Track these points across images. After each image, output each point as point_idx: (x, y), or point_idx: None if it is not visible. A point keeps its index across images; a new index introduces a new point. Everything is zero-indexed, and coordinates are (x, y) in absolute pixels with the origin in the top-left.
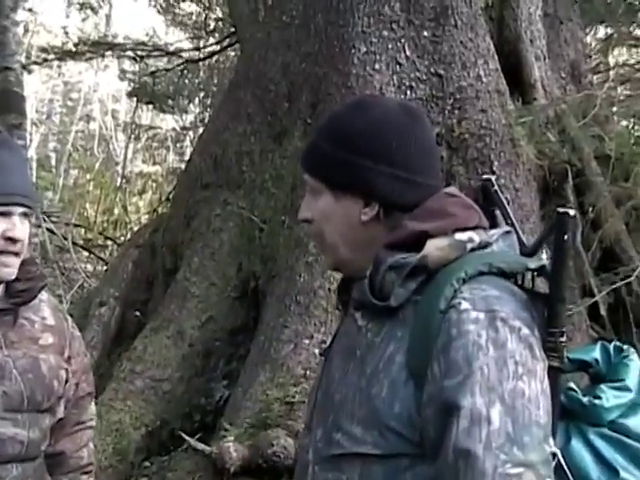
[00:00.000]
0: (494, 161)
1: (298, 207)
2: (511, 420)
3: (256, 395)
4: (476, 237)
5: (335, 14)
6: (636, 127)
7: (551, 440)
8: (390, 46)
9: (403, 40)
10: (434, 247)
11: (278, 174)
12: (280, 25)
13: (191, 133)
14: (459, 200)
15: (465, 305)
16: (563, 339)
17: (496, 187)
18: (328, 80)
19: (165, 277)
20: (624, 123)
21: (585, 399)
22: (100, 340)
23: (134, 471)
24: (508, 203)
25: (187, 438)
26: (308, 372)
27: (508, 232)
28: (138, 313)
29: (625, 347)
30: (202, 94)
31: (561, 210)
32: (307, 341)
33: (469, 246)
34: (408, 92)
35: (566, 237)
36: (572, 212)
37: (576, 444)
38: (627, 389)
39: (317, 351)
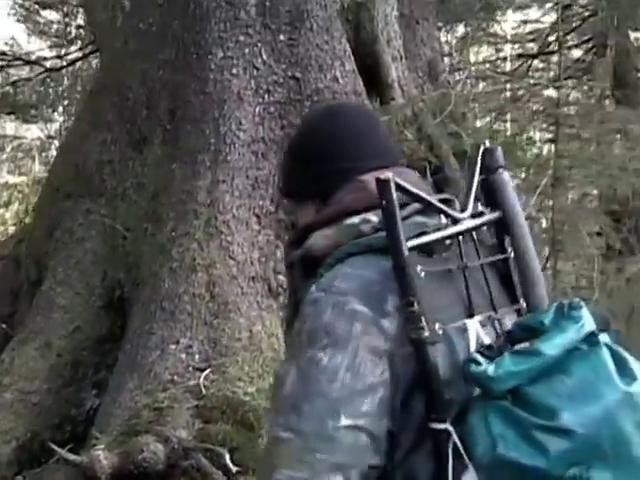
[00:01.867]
0: None
1: (160, 214)
2: (299, 387)
3: (125, 402)
4: (373, 217)
5: (191, 20)
6: (495, 123)
7: (343, 418)
8: (247, 51)
9: (260, 44)
10: (319, 236)
11: (139, 182)
12: (137, 32)
13: (56, 142)
14: (357, 185)
15: (312, 288)
16: (413, 308)
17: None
18: (186, 86)
19: (30, 289)
20: (487, 119)
21: (473, 369)
22: None
23: None
24: None
25: (57, 449)
26: (175, 377)
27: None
28: (4, 326)
29: (577, 305)
30: (66, 102)
31: (380, 177)
32: (173, 347)
33: (365, 227)
34: (266, 96)
35: (385, 203)
36: (386, 177)
37: (471, 419)
38: (535, 353)
39: (183, 356)
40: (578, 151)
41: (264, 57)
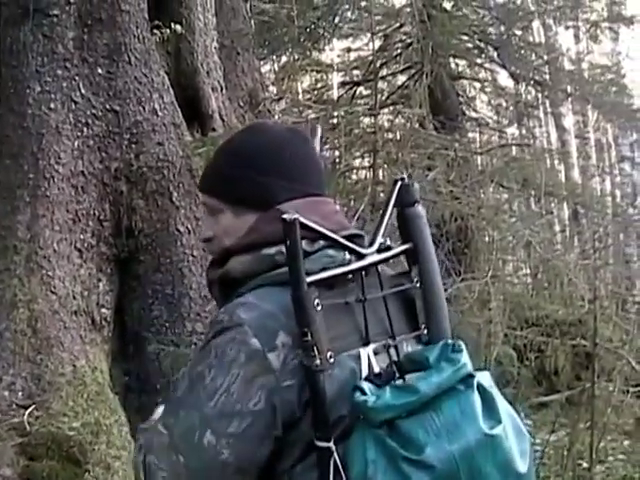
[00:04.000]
0: (173, 192)
1: None
2: (184, 395)
3: None
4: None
5: (8, 55)
6: None
7: (208, 433)
8: (65, 84)
9: (78, 78)
10: (236, 262)
11: None
12: None
13: None
14: (276, 215)
15: (221, 310)
16: (307, 338)
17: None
18: (4, 121)
19: None
20: None
21: (356, 398)
22: None
23: None
24: (189, 232)
25: None
26: None
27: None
28: None
29: (458, 348)
30: None
31: (284, 217)
32: None
33: (280, 258)
34: (85, 129)
35: (288, 242)
36: (291, 218)
37: (352, 441)
38: (413, 391)
39: (7, 393)
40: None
41: (82, 90)
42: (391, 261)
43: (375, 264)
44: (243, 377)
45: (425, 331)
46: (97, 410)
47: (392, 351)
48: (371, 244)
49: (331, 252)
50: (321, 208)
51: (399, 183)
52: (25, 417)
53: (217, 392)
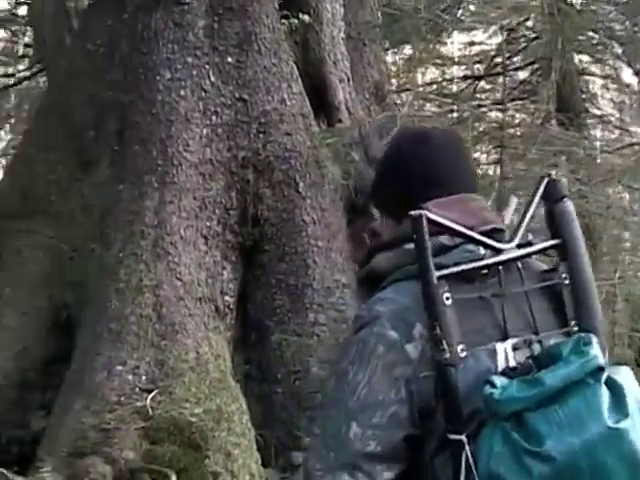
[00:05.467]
0: (300, 182)
1: (107, 235)
2: (333, 392)
3: (71, 424)
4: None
5: (139, 42)
6: None
7: (354, 426)
8: (195, 72)
9: (207, 66)
10: (382, 257)
11: (86, 203)
12: (86, 53)
13: (2, 160)
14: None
15: (362, 305)
16: (435, 332)
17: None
18: (134, 107)
19: None
20: None
21: (485, 390)
22: None
23: None
24: (314, 223)
25: (4, 471)
26: (122, 398)
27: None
28: None
29: (588, 340)
30: (13, 121)
31: (412, 213)
32: (120, 367)
33: None
34: (214, 117)
35: (416, 237)
36: (417, 213)
37: (482, 435)
38: (538, 384)
39: (130, 377)
40: (523, 172)
41: (212, 79)
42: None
43: (514, 259)
44: (382, 368)
45: (575, 328)
46: (219, 397)
47: (535, 346)
48: (511, 240)
49: (470, 247)
50: (464, 205)
51: (546, 179)
52: (148, 401)
53: (359, 385)
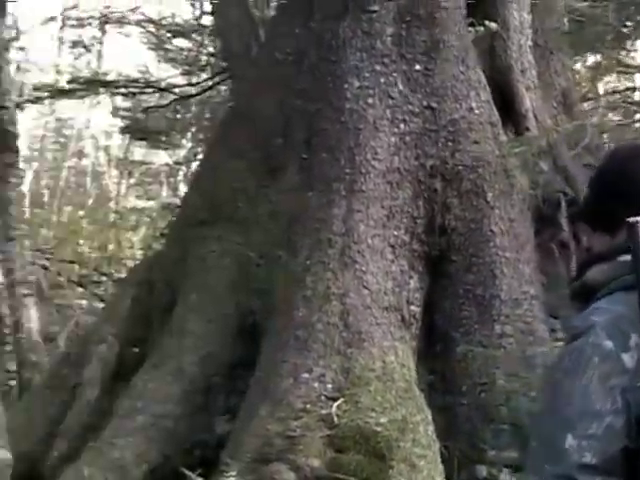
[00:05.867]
0: (488, 192)
1: (294, 242)
2: (547, 402)
3: (257, 429)
4: None
5: (327, 50)
6: None
7: (569, 437)
8: (383, 80)
9: (395, 74)
10: (596, 271)
11: (273, 210)
12: (273, 62)
13: (184, 168)
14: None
15: (575, 318)
16: None
17: None
18: (322, 115)
19: (163, 314)
20: None
21: None
22: (100, 377)
23: None
24: (502, 233)
25: (189, 473)
26: (308, 406)
27: None
28: (137, 350)
29: None
30: (194, 129)
31: (628, 220)
32: (306, 375)
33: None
34: (402, 125)
35: (631, 244)
36: (634, 220)
37: None
38: None
39: (316, 385)
40: None
41: (400, 87)
42: None
43: None
44: (598, 378)
45: None
46: (404, 407)
47: None
48: None
49: None
50: None
51: None
52: (333, 409)
53: (574, 395)
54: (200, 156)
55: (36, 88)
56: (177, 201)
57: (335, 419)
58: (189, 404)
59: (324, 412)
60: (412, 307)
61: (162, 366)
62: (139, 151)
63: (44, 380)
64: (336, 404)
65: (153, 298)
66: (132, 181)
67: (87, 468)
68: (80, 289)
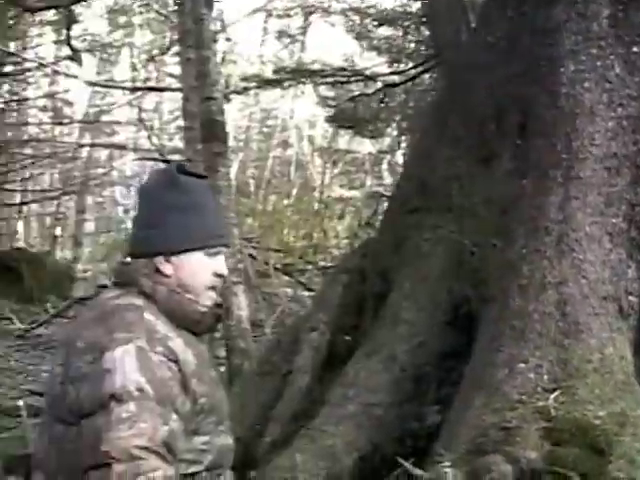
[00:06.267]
0: None
1: (509, 230)
2: None
3: (471, 420)
4: None
5: (541, 34)
6: None
7: None
8: (599, 64)
9: (612, 57)
10: None
11: (487, 197)
12: (484, 47)
13: (388, 157)
14: None
15: None
16: None
17: None
18: (536, 100)
19: (375, 302)
20: None
21: None
22: (311, 365)
23: None
24: None
25: (404, 463)
26: (524, 397)
27: None
28: (348, 337)
29: None
30: (399, 117)
31: None
32: (522, 366)
33: None
34: (619, 109)
35: None
36: None
37: None
38: None
39: (532, 375)
40: None
41: (617, 70)
42: None
43: None
44: None
45: None
46: (623, 400)
47: None
48: None
49: None
50: None
51: None
52: (550, 401)
53: None
54: (404, 145)
55: (243, 79)
56: (382, 190)
57: (552, 411)
58: (399, 393)
59: (540, 404)
60: (630, 298)
61: (374, 354)
62: (343, 140)
63: (255, 367)
64: (553, 396)
65: (365, 286)
66: (336, 170)
67: (299, 455)
68: (285, 277)
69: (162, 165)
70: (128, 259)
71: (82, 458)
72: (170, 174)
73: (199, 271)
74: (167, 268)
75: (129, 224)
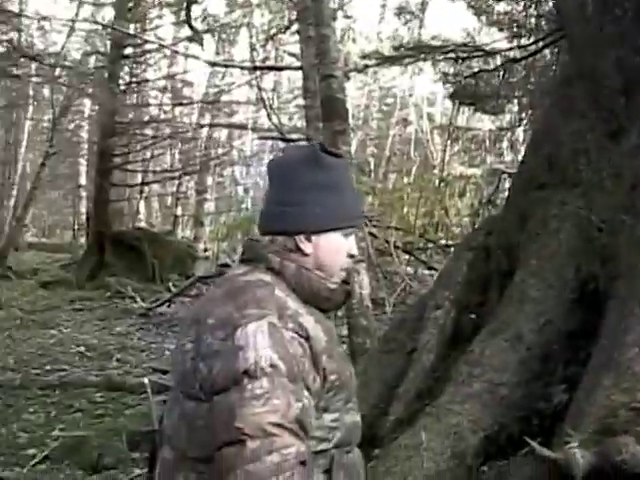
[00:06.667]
0: None
1: (638, 206)
2: None
3: (600, 400)
4: None
5: None
6: None
7: None
8: None
9: None
10: None
11: (616, 172)
12: (612, 19)
13: (509, 134)
14: None
15: None
16: None
17: None
18: None
19: (500, 279)
20: None
21: None
22: (436, 343)
23: (471, 475)
24: None
25: (532, 443)
26: None
27: None
28: (473, 315)
29: None
30: (520, 93)
31: None
32: None
33: None
34: None
35: None
36: None
37: None
38: None
39: None
40: None
41: None
42: None
43: None
44: None
45: None
46: None
47: None
48: None
49: None
50: None
51: None
52: None
53: None
54: (525, 121)
55: (362, 56)
56: (503, 167)
57: None
58: (526, 372)
59: None
60: None
61: (499, 333)
62: (462, 117)
63: (380, 345)
64: None
65: (490, 263)
66: (456, 148)
67: (424, 433)
68: (406, 255)
69: (282, 144)
70: (257, 236)
71: (215, 434)
72: (313, 152)
73: (337, 251)
74: (307, 247)
75: (249, 203)
